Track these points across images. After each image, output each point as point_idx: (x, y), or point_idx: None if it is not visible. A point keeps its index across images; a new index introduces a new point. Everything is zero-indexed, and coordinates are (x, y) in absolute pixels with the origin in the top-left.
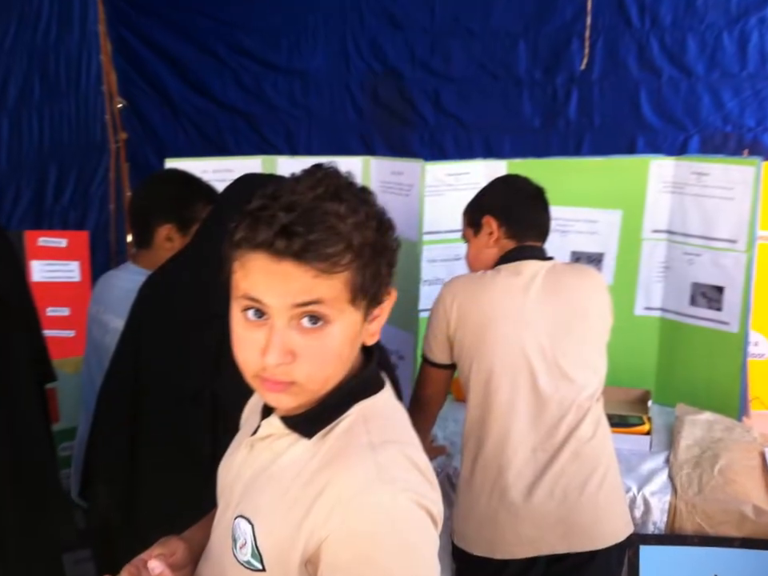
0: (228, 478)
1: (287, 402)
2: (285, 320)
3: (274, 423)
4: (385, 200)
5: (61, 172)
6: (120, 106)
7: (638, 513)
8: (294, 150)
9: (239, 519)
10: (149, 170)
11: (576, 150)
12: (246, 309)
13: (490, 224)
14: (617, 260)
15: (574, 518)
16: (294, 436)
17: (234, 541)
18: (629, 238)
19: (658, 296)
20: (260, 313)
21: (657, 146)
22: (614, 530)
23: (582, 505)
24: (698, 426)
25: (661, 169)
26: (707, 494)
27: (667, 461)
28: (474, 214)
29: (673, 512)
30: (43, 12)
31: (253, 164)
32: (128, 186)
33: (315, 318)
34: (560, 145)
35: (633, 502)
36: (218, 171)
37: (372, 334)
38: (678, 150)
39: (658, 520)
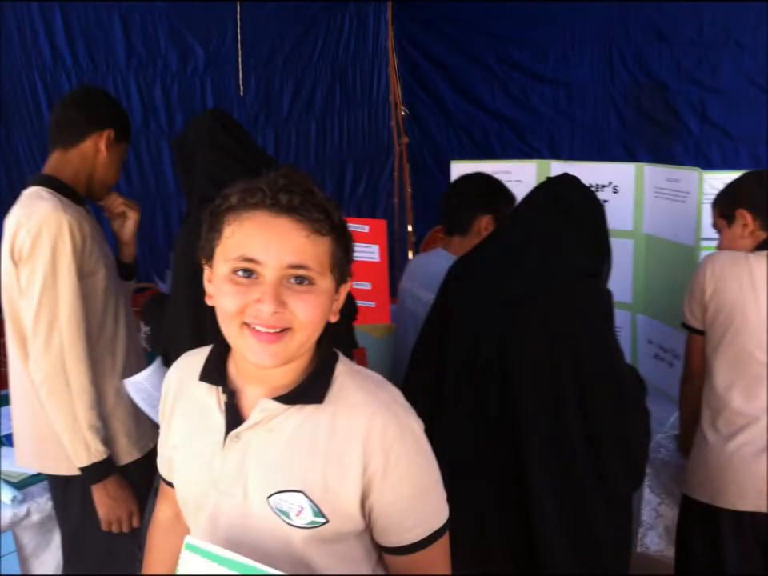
0: (208, 479)
1: (276, 355)
2: (277, 277)
3: (268, 406)
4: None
5: (356, 169)
6: (403, 113)
7: None
8: (556, 156)
9: (281, 495)
10: (426, 171)
11: None
12: (236, 270)
13: (744, 216)
14: None
15: None
16: (292, 409)
17: (285, 513)
18: None
19: None
20: (249, 272)
21: None
22: None
23: None
24: None
25: None
26: None
27: None
28: (727, 206)
29: None
30: (344, 30)
31: (528, 167)
32: (408, 183)
33: (302, 279)
34: None
35: None
36: (495, 173)
37: (335, 312)
38: None
39: None
